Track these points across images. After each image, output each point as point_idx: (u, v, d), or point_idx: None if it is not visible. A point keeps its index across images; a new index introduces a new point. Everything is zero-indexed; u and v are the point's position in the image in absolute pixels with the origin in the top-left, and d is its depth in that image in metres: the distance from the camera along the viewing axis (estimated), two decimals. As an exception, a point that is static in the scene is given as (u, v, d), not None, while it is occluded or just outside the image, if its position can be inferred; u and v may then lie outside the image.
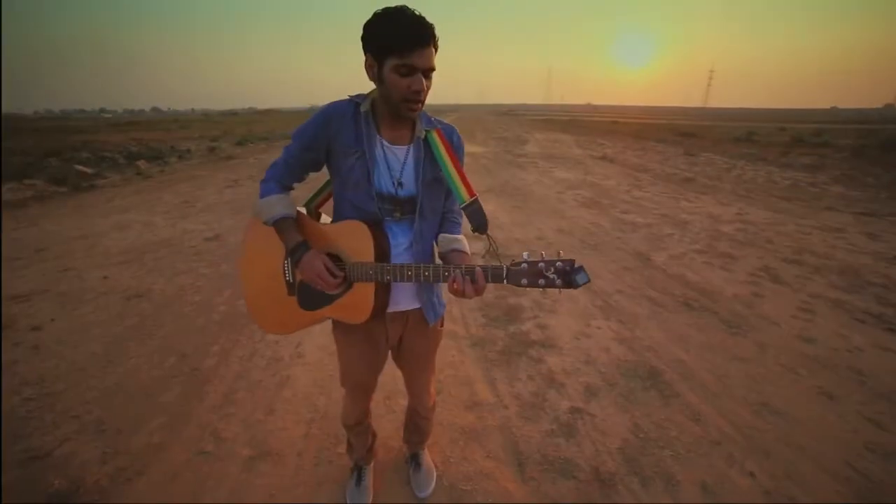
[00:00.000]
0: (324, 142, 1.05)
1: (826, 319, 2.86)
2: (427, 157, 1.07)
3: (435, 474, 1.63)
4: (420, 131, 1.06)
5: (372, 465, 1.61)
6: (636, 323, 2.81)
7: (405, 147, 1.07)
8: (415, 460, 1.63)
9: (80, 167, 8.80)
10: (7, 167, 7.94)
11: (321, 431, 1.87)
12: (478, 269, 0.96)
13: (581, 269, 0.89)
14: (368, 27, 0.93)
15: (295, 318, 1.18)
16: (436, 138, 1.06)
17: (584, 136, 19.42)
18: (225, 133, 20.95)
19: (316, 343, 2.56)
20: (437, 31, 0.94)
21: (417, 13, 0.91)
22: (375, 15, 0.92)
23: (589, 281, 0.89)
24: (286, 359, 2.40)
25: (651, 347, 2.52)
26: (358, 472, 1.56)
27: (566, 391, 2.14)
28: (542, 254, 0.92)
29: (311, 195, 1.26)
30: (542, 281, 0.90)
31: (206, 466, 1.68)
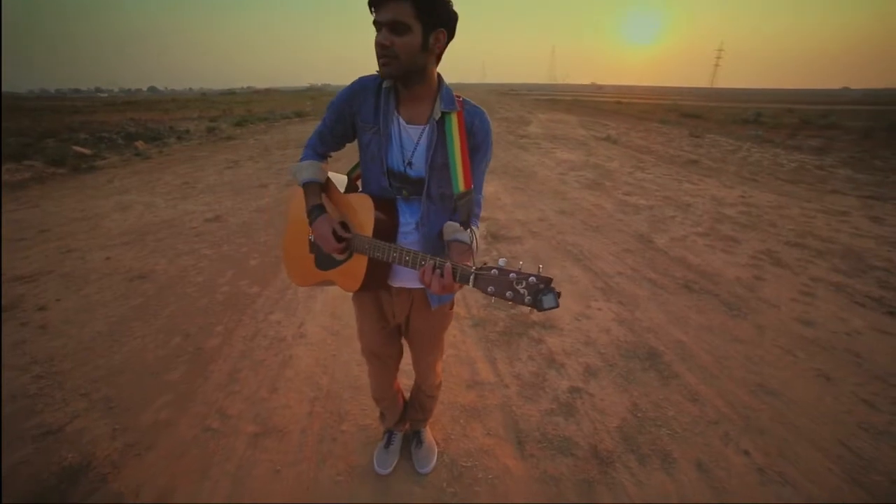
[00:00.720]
0: (348, 116, 1.10)
1: (826, 303, 2.86)
2: (440, 140, 1.05)
3: (436, 451, 1.67)
4: (436, 112, 1.03)
5: (403, 432, 1.69)
6: (636, 304, 2.82)
7: (421, 127, 1.06)
8: (416, 438, 1.67)
9: (78, 148, 8.72)
10: (5, 148, 7.88)
11: (324, 409, 1.90)
12: (447, 265, 0.92)
13: (552, 290, 0.81)
14: None
15: (311, 273, 1.26)
16: (453, 121, 1.04)
17: (588, 117, 19.11)
18: (223, 113, 20.66)
19: (318, 323, 2.59)
20: None
21: None
22: None
23: (557, 307, 0.80)
24: (289, 339, 2.43)
25: (651, 329, 2.54)
26: (389, 435, 1.66)
27: (566, 371, 2.16)
28: (520, 263, 0.86)
29: (352, 166, 1.30)
30: (509, 293, 0.83)
31: (212, 442, 1.72)
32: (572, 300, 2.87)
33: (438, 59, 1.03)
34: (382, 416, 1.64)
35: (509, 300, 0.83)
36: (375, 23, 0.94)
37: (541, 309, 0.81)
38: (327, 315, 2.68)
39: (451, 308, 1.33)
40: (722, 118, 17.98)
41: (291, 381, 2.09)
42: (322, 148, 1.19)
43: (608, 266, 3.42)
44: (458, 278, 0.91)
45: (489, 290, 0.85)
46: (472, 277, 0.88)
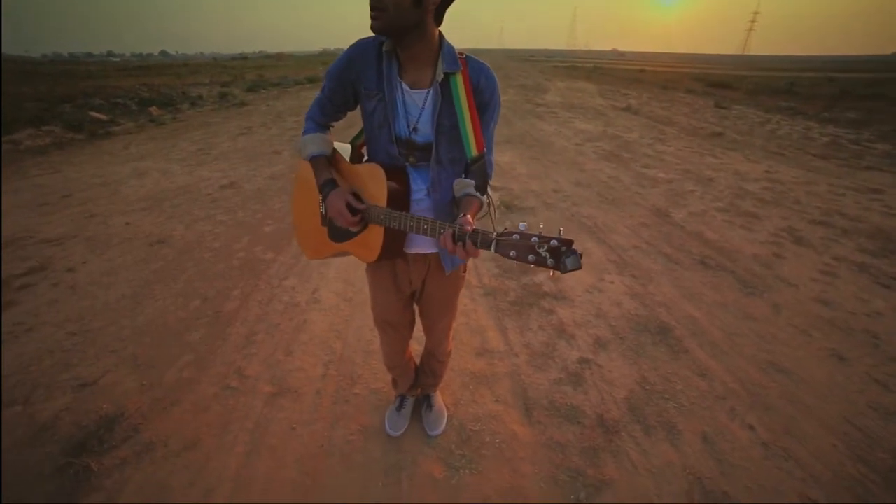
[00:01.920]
0: (349, 83, 1.06)
1: (847, 283, 2.79)
2: (445, 102, 1.02)
3: (446, 415, 1.72)
4: (439, 74, 1.00)
5: (415, 396, 1.75)
6: (650, 279, 2.80)
7: (424, 91, 1.02)
8: (427, 401, 1.72)
9: (94, 113, 8.77)
10: (24, 112, 7.98)
11: (338, 373, 1.97)
12: (467, 231, 0.90)
13: (575, 252, 0.80)
14: None
15: (324, 246, 1.27)
16: (458, 82, 1.00)
17: (608, 86, 18.34)
18: (235, 78, 20.40)
19: (332, 289, 2.64)
20: None
21: None
22: None
23: (580, 268, 0.80)
24: (303, 304, 2.49)
25: (663, 303, 2.53)
26: (401, 399, 1.71)
27: (576, 342, 2.18)
28: (540, 227, 0.86)
29: (355, 134, 1.27)
30: (531, 257, 0.82)
31: (232, 399, 1.81)
32: (585, 273, 2.85)
33: (439, 18, 0.98)
34: (395, 382, 1.69)
35: (531, 263, 0.82)
36: None
37: (564, 271, 0.80)
38: (340, 281, 2.73)
39: (464, 271, 1.34)
40: (752, 88, 17.08)
41: (306, 344, 2.15)
42: (323, 118, 1.16)
43: (623, 239, 3.37)
44: (479, 244, 0.89)
45: (511, 254, 0.85)
46: (493, 243, 0.87)
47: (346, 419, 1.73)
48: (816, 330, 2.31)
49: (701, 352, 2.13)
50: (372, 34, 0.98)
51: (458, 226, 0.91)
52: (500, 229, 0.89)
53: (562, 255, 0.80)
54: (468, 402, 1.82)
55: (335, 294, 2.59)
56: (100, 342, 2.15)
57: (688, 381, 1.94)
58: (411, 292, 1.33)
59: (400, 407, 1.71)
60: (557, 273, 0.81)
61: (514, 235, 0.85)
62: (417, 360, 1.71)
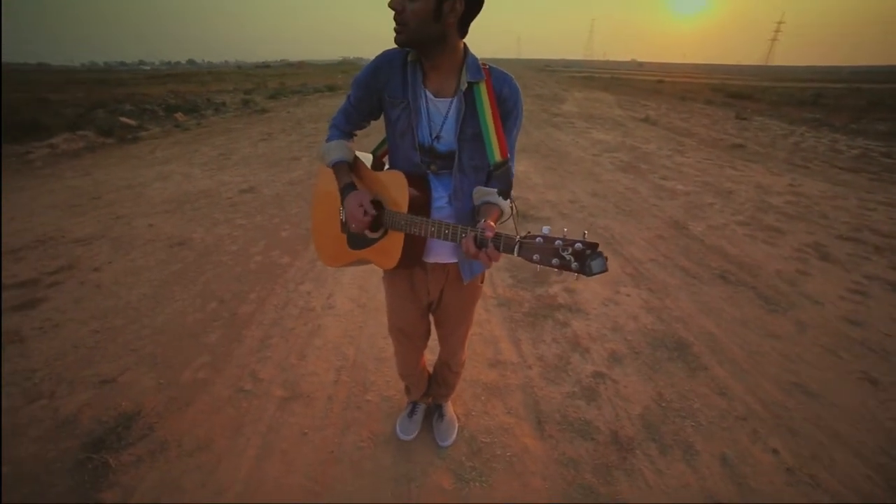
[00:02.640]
0: (375, 91, 1.08)
1: (880, 302, 2.68)
2: (469, 111, 1.03)
3: (457, 426, 1.71)
4: (463, 83, 1.02)
5: (427, 404, 1.75)
6: (667, 293, 2.74)
7: (448, 99, 1.04)
8: (438, 411, 1.71)
9: (124, 119, 9.10)
10: (61, 118, 8.38)
11: (350, 379, 1.97)
12: (489, 236, 0.90)
13: (600, 254, 0.79)
14: None
15: (343, 254, 1.26)
16: (482, 91, 1.02)
17: (626, 96, 18.21)
18: (258, 86, 20.97)
19: (346, 295, 2.66)
20: None
21: None
22: None
23: (606, 270, 0.79)
24: (318, 309, 2.51)
25: (681, 318, 2.47)
26: (412, 406, 1.71)
27: (590, 356, 2.15)
28: (564, 230, 0.85)
29: (377, 144, 1.29)
30: (555, 260, 0.81)
31: (245, 402, 1.82)
32: (600, 285, 2.81)
33: (462, 30, 1.00)
34: (408, 389, 1.68)
35: (555, 267, 0.82)
36: None
37: (590, 274, 0.79)
38: (355, 287, 2.74)
39: (482, 281, 1.33)
40: (775, 99, 16.74)
41: (319, 349, 2.17)
42: (348, 126, 1.18)
43: (640, 252, 3.31)
44: (501, 248, 0.89)
45: (534, 258, 0.84)
46: (516, 246, 0.87)
47: (357, 426, 1.73)
48: (846, 351, 2.22)
49: (720, 369, 2.06)
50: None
51: (479, 230, 0.91)
52: (522, 233, 0.88)
53: (587, 257, 0.79)
54: (480, 413, 1.80)
55: (350, 300, 2.61)
56: (120, 340, 2.21)
57: (706, 400, 1.88)
58: (428, 302, 1.33)
59: (412, 413, 1.70)
60: (582, 276, 0.80)
61: (538, 239, 0.84)
62: (430, 370, 1.71)
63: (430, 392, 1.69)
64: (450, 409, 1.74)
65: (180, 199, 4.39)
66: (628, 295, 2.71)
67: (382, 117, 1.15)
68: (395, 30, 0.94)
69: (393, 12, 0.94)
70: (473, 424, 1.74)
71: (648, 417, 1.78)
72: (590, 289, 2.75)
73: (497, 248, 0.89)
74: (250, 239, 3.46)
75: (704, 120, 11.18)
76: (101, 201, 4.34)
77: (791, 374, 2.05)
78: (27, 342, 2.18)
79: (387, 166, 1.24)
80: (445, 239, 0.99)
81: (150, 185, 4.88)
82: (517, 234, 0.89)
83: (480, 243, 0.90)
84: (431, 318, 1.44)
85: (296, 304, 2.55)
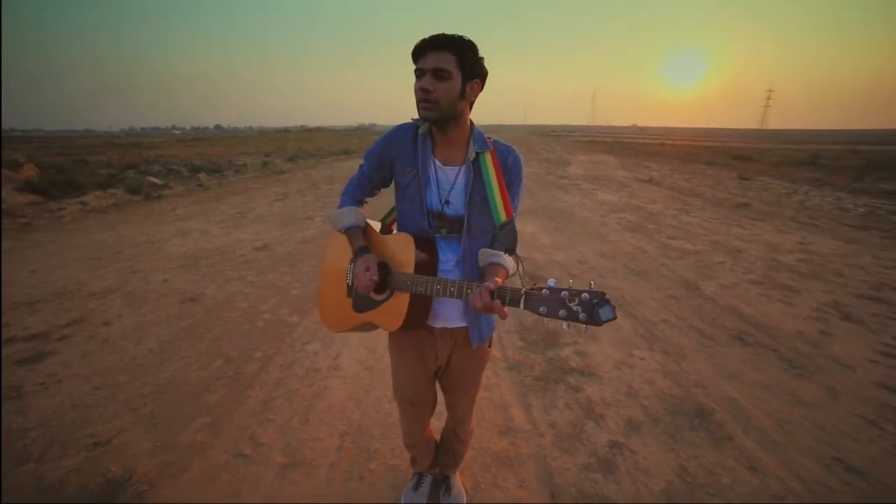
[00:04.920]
0: (387, 162, 1.17)
1: (909, 366, 2.55)
2: (476, 178, 1.10)
3: (465, 499, 1.59)
4: (471, 153, 1.09)
5: (434, 475, 1.64)
6: (683, 355, 2.64)
7: (457, 168, 1.11)
8: (445, 483, 1.60)
9: (151, 178, 9.67)
10: (96, 177, 9.00)
11: (354, 445, 1.88)
12: (493, 289, 0.90)
13: (608, 302, 0.78)
14: None
15: (348, 318, 1.26)
16: (487, 160, 1.10)
17: (630, 159, 18.91)
18: (277, 149, 22.33)
19: (354, 356, 2.61)
20: (472, 48, 1.02)
21: (440, 33, 1.00)
22: None
23: (615, 318, 0.77)
24: (324, 370, 2.46)
25: (699, 383, 2.36)
26: (418, 477, 1.62)
27: (605, 423, 2.03)
28: (570, 282, 0.84)
29: (385, 212, 1.35)
30: (563, 312, 0.81)
31: (243, 469, 1.73)
32: (613, 347, 2.73)
33: (471, 107, 1.10)
34: (414, 460, 1.60)
35: (563, 319, 0.81)
36: (417, 70, 1.01)
37: (598, 323, 0.78)
38: (363, 349, 2.70)
39: (490, 346, 1.32)
40: (774, 160, 17.23)
41: (324, 413, 2.09)
42: (360, 195, 1.26)
43: (651, 313, 3.25)
44: (508, 300, 0.89)
45: (541, 310, 0.84)
46: (522, 298, 0.86)
47: (359, 497, 1.62)
48: (889, 422, 2.05)
49: (747, 440, 1.93)
50: (410, 119, 1.12)
51: (484, 285, 0.93)
52: (528, 285, 0.89)
53: (594, 306, 0.78)
54: (490, 486, 1.68)
55: (357, 362, 2.56)
56: (121, 398, 2.17)
57: (735, 475, 1.74)
58: (436, 368, 1.30)
59: (417, 485, 1.60)
60: (591, 327, 0.79)
61: (544, 290, 0.84)
62: (437, 438, 1.63)
63: (437, 462, 1.60)
64: (458, 480, 1.63)
65: (196, 256, 4.51)
66: (642, 358, 2.62)
67: (392, 186, 1.22)
68: (424, 107, 1.02)
69: (421, 91, 1.02)
70: (483, 498, 1.62)
71: (673, 494, 1.64)
72: (602, 351, 2.67)
73: (503, 301, 0.90)
74: (261, 296, 3.49)
75: (707, 180, 11.46)
76: (122, 255, 4.48)
77: (829, 447, 1.89)
78: (26, 398, 2.15)
79: (395, 232, 1.28)
80: (451, 296, 1.01)
81: (168, 241, 5.05)
82: (522, 287, 0.89)
83: (489, 296, 0.91)
84: (438, 386, 1.40)
85: (302, 365, 2.51)
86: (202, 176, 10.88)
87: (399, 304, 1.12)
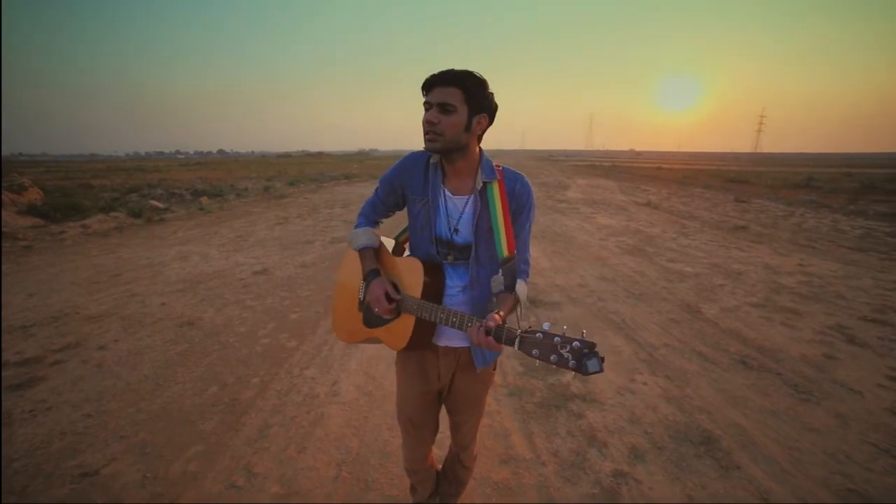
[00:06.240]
0: (399, 188, 1.22)
1: (917, 391, 2.50)
2: (484, 207, 1.14)
3: (465, 533, 1.53)
4: (478, 183, 1.13)
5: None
6: (686, 380, 2.60)
7: (466, 197, 1.15)
8: (445, 515, 1.55)
9: (154, 202, 9.76)
10: (99, 201, 9.09)
11: (351, 475, 1.83)
12: (492, 327, 0.95)
13: (596, 354, 0.83)
14: None
15: (358, 331, 1.31)
16: (494, 189, 1.13)
17: (627, 182, 19.16)
18: (279, 173, 22.64)
19: (352, 382, 2.57)
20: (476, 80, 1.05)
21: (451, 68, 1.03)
22: None
23: (601, 371, 0.82)
24: (322, 396, 2.41)
25: (704, 409, 2.31)
26: None
27: (609, 451, 1.98)
28: (564, 328, 0.88)
29: (400, 230, 1.40)
30: (553, 357, 0.85)
31: (235, 500, 1.67)
32: (615, 372, 2.69)
33: (479, 139, 1.14)
34: (413, 489, 1.55)
35: (553, 363, 0.85)
36: (426, 103, 1.06)
37: (585, 373, 0.82)
38: (362, 374, 2.66)
39: (494, 369, 1.33)
40: (770, 183, 17.45)
41: (321, 441, 2.04)
42: (375, 216, 1.31)
43: (653, 337, 3.22)
44: (503, 340, 0.93)
45: (534, 353, 0.88)
46: (517, 340, 0.91)
47: (354, 532, 1.55)
48: (901, 451, 2.00)
49: (756, 468, 1.87)
50: (420, 149, 1.16)
51: (484, 322, 0.97)
52: (525, 326, 0.93)
53: (584, 356, 0.83)
54: (491, 518, 1.62)
55: (355, 387, 2.52)
56: (112, 426, 2.11)
57: (745, 507, 1.68)
58: (439, 389, 1.31)
59: None
60: (578, 375, 0.84)
61: (538, 334, 0.89)
62: (439, 466, 1.58)
63: (439, 491, 1.55)
64: (458, 512, 1.57)
65: (195, 279, 4.50)
66: (645, 383, 2.58)
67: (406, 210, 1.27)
68: (429, 138, 1.06)
69: (427, 123, 1.06)
70: (484, 533, 1.56)
71: (681, 528, 1.58)
72: (604, 377, 2.63)
73: (498, 340, 0.94)
74: (259, 321, 3.46)
75: (705, 203, 11.58)
76: (120, 279, 4.47)
77: (842, 476, 1.83)
78: (14, 426, 2.10)
79: (406, 252, 1.33)
80: (453, 326, 1.06)
81: (168, 265, 5.05)
82: (518, 328, 0.94)
83: (486, 332, 0.95)
84: (442, 411, 1.39)
85: (299, 391, 2.47)
86: (204, 199, 10.99)
87: (404, 326, 1.16)
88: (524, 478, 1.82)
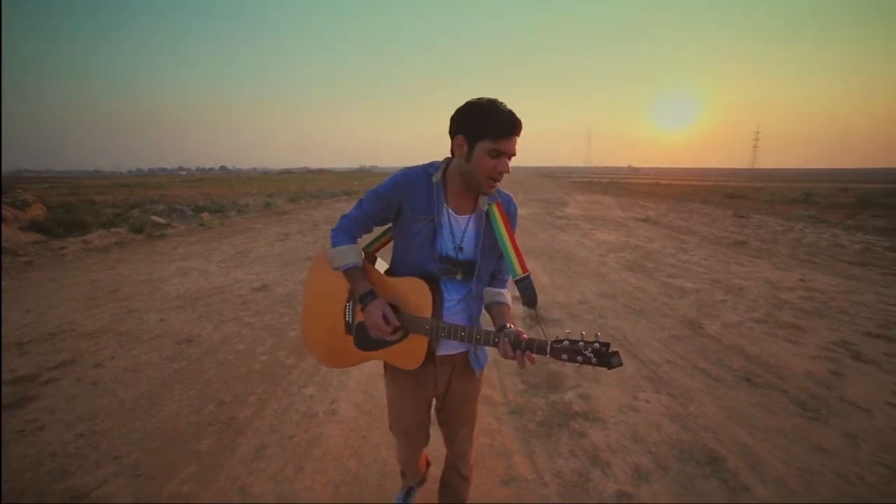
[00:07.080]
0: (395, 204, 1.18)
1: (926, 409, 2.46)
2: (486, 227, 1.19)
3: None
4: (483, 204, 1.17)
5: (422, 486, 1.69)
6: (689, 398, 2.56)
7: (467, 216, 1.18)
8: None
9: (155, 217, 9.80)
10: (101, 216, 9.13)
11: (349, 497, 1.78)
12: (525, 340, 1.04)
13: (616, 353, 0.97)
14: (466, 114, 1.05)
15: (349, 355, 1.28)
16: (495, 211, 1.17)
17: (626, 198, 19.27)
18: (280, 190, 22.80)
19: (351, 400, 2.53)
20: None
21: (509, 108, 1.04)
22: (473, 104, 1.05)
23: (622, 364, 0.97)
24: (320, 415, 2.37)
25: (708, 427, 2.27)
26: (408, 489, 1.65)
27: (612, 472, 1.93)
28: (582, 333, 1.03)
29: (371, 240, 1.37)
30: (580, 358, 1.00)
31: (230, 525, 1.63)
32: (617, 390, 2.65)
33: None
34: (404, 474, 1.62)
35: (580, 363, 1.00)
36: (495, 150, 1.04)
37: (610, 367, 0.98)
38: (360, 393, 2.62)
39: (482, 372, 1.36)
40: (768, 198, 17.55)
41: (319, 461, 2.00)
42: (358, 232, 1.25)
43: (655, 353, 3.19)
44: (535, 350, 1.03)
45: (563, 357, 1.02)
46: (548, 348, 1.03)
47: (351, 558, 1.51)
48: (914, 472, 1.95)
49: (764, 490, 1.83)
50: (419, 165, 1.20)
51: (513, 335, 1.06)
52: (552, 338, 1.05)
53: (605, 355, 0.98)
54: (492, 543, 1.57)
55: (354, 406, 2.48)
56: (105, 446, 2.07)
57: (754, 530, 1.63)
58: (434, 396, 1.32)
59: (406, 497, 1.64)
60: (602, 369, 0.99)
61: (565, 342, 1.03)
62: (435, 465, 1.64)
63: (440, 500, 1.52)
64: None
65: (194, 296, 4.48)
66: (647, 401, 2.54)
67: (392, 224, 1.25)
68: (492, 185, 1.10)
69: (501, 173, 1.09)
70: (486, 558, 1.51)
71: (689, 552, 1.53)
72: (606, 394, 2.59)
73: (532, 351, 1.04)
74: (258, 338, 3.43)
75: (704, 219, 11.62)
76: (119, 295, 4.45)
77: (855, 500, 1.78)
78: (3, 447, 2.05)
79: (378, 261, 1.32)
80: (478, 343, 1.11)
81: (167, 281, 5.03)
82: (547, 339, 1.05)
83: (516, 347, 1.04)
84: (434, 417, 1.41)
85: (297, 409, 2.43)
86: (205, 215, 11.04)
87: (417, 346, 1.17)
88: (526, 498, 1.78)
